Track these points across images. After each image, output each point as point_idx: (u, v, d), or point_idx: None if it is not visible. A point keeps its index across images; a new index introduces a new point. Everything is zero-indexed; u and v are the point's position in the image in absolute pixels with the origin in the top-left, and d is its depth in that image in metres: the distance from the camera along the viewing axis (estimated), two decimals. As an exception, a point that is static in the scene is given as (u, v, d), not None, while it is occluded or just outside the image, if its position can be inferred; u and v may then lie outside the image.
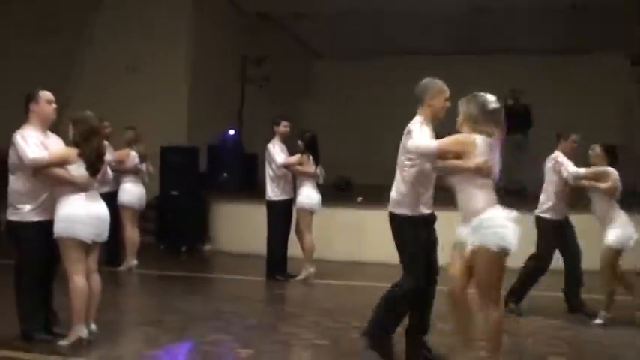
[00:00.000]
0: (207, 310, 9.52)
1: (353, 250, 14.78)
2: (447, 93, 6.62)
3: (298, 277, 12.04)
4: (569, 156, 9.63)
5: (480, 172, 6.01)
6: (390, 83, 22.67)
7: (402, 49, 22.01)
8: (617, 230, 8.89)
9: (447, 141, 6.17)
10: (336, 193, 16.28)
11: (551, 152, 9.86)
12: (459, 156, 6.08)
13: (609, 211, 9.02)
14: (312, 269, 12.08)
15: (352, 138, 22.66)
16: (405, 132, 6.48)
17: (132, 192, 12.70)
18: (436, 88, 6.56)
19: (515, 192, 15.61)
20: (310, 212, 12.08)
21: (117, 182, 12.31)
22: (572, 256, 9.60)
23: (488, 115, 6.12)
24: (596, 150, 9.29)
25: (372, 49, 22.30)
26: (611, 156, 9.27)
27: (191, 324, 8.58)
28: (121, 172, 12.52)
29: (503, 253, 5.94)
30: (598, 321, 8.97)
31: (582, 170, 9.34)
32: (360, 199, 15.74)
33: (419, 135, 6.32)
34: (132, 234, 12.70)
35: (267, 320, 9.23)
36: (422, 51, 21.90)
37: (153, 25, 17.47)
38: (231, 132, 17.45)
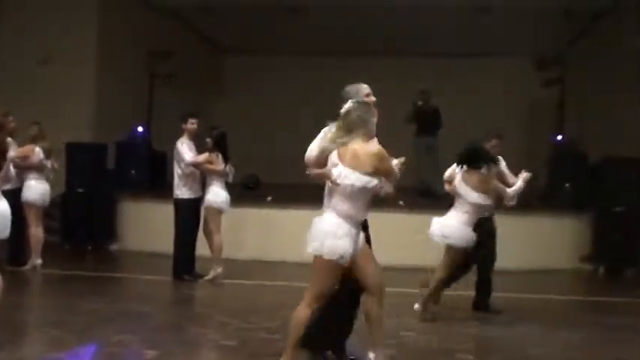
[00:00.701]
0: (113, 311, 9.38)
1: (262, 250, 14.78)
2: (367, 89, 6.65)
3: (206, 278, 11.94)
4: None
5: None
6: (301, 80, 22.74)
7: (311, 46, 22.05)
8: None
9: None
10: (245, 191, 16.22)
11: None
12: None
13: None
14: (220, 269, 11.99)
15: (262, 136, 22.60)
16: None
17: (36, 189, 12.43)
18: (354, 89, 6.56)
19: (426, 193, 15.79)
20: (219, 211, 11.99)
21: (20, 179, 12.04)
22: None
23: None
24: None
25: (283, 45, 22.26)
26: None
27: (97, 325, 8.42)
28: (25, 168, 12.26)
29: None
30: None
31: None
32: (269, 198, 15.70)
33: None
34: (36, 232, 12.44)
35: (175, 321, 9.14)
36: (332, 50, 21.99)
37: (59, 19, 17.12)
38: (140, 129, 17.23)
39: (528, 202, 13.66)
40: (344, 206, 5.96)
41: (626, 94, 17.54)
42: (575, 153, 16.29)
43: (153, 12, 19.26)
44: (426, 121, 17.42)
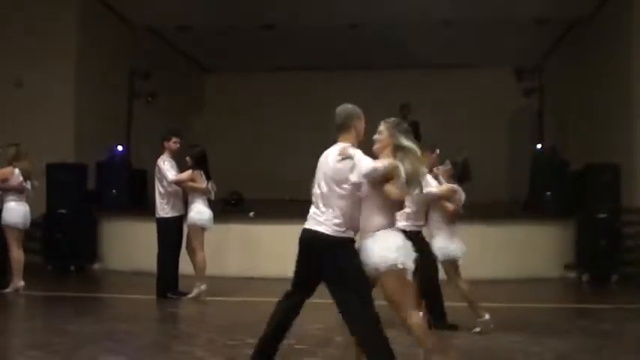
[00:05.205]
0: (98, 331, 9.28)
1: (246, 266, 14.72)
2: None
3: (190, 295, 11.87)
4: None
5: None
6: (279, 97, 22.76)
7: (289, 63, 22.08)
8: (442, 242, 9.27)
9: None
10: (227, 208, 16.19)
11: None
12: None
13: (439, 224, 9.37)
14: (203, 287, 11.92)
15: (243, 152, 22.59)
16: (339, 158, 6.31)
17: (16, 211, 12.32)
18: (358, 112, 6.52)
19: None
20: (202, 229, 11.94)
21: (0, 201, 11.97)
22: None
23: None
24: (448, 165, 9.45)
25: (261, 63, 22.29)
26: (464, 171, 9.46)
27: (82, 346, 8.33)
28: (5, 190, 12.17)
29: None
30: (476, 329, 9.14)
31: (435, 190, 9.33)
32: (251, 213, 15.66)
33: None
34: (18, 254, 12.32)
35: (161, 340, 9.08)
36: (312, 65, 22.02)
37: (39, 39, 17.03)
38: (120, 148, 17.13)
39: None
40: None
41: (603, 100, 17.66)
42: (556, 161, 16.29)
43: (132, 31, 19.23)
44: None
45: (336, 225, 6.22)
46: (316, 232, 6.26)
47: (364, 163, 6.12)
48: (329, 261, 6.23)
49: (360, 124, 6.48)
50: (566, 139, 19.45)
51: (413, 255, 6.20)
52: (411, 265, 6.16)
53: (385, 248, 6.11)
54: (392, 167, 6.10)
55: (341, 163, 6.25)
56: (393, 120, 6.46)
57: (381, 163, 6.14)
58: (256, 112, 23.15)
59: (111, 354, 7.95)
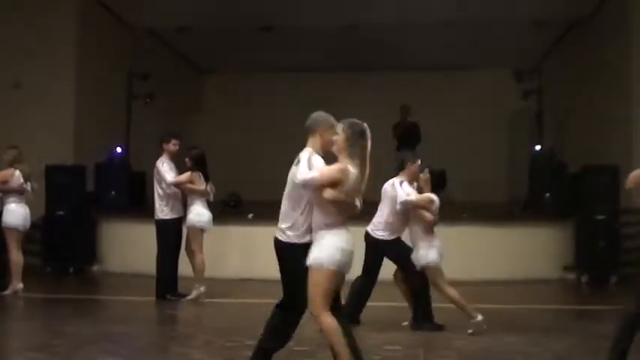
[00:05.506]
0: (96, 333, 9.29)
1: (245, 268, 14.71)
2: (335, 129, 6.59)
3: (189, 297, 11.86)
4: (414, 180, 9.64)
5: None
6: (278, 98, 22.73)
7: (289, 64, 22.04)
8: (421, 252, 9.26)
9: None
10: (226, 209, 16.19)
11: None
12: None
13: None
14: (202, 288, 11.91)
15: (242, 154, 22.54)
16: (295, 161, 6.46)
17: (16, 213, 12.32)
18: (328, 122, 6.55)
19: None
20: (201, 230, 11.94)
21: (0, 203, 11.97)
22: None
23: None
24: (427, 174, 9.45)
25: (260, 64, 22.24)
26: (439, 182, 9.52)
27: (80, 347, 8.34)
28: (5, 192, 12.17)
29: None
30: (469, 331, 9.14)
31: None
32: (250, 215, 15.66)
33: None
34: (17, 256, 12.31)
35: (159, 341, 9.10)
36: (312, 66, 21.97)
37: (39, 39, 17.02)
38: (119, 150, 17.10)
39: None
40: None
41: (602, 102, 17.66)
42: (555, 163, 16.29)
43: (131, 32, 19.21)
44: (405, 136, 17.45)
45: (291, 231, 6.41)
46: (277, 240, 6.53)
47: (300, 170, 6.22)
48: (285, 266, 6.50)
49: (327, 134, 6.49)
50: (565, 141, 19.44)
51: (346, 258, 6.18)
52: (339, 268, 6.13)
53: (318, 246, 6.14)
54: (337, 174, 6.13)
55: (295, 167, 6.39)
56: (349, 122, 6.38)
57: (323, 172, 6.18)
58: (256, 113, 23.08)
59: (109, 355, 7.96)
